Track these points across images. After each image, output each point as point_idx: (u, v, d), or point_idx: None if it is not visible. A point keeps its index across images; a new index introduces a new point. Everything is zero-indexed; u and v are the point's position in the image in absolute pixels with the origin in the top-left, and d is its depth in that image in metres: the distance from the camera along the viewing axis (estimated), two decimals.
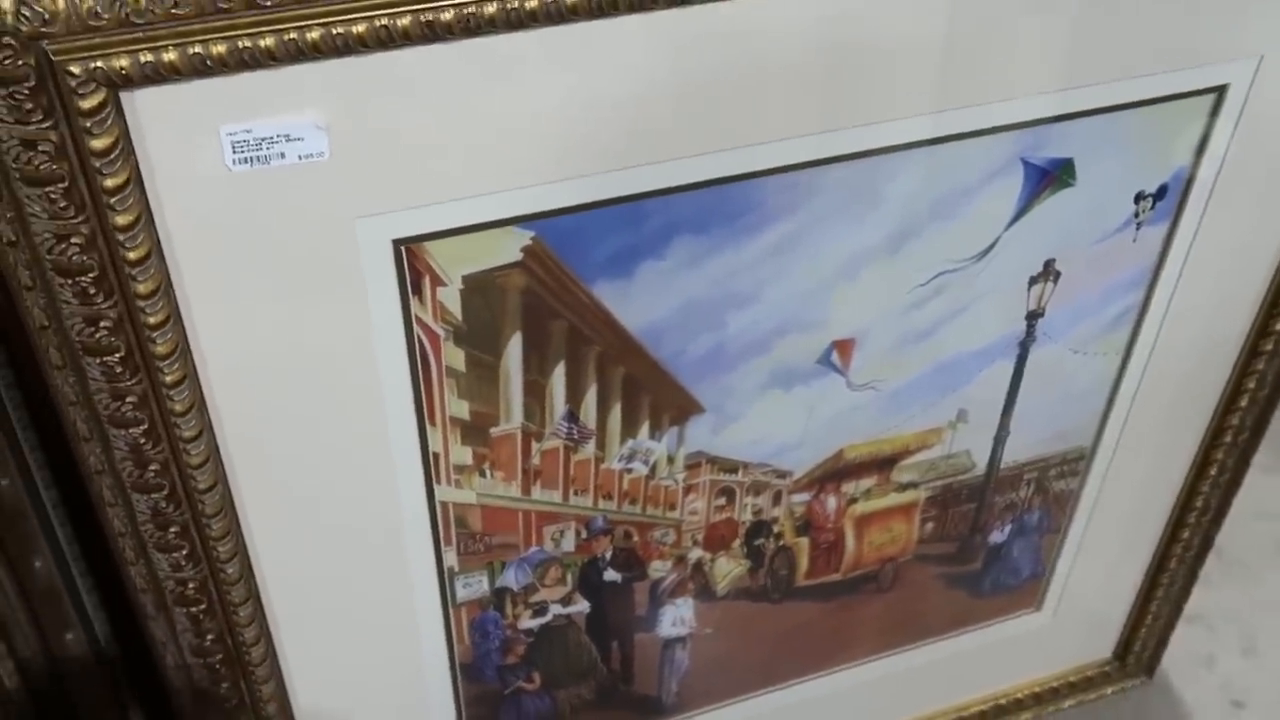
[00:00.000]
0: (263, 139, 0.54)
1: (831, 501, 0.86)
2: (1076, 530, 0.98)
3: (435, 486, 0.71)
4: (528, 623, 0.82)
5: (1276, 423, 1.29)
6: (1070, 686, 1.12)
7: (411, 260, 0.61)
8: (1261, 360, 0.89)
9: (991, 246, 0.75)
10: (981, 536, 0.94)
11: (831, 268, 0.71)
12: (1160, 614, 1.10)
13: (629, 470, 0.76)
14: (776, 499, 0.83)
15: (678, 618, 0.87)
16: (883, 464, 0.85)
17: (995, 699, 1.09)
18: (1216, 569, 1.27)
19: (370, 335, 0.63)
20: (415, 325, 0.63)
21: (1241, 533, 1.31)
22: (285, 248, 0.58)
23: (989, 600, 1.00)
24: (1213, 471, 0.97)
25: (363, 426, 0.66)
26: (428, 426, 0.68)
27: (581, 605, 0.83)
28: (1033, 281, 0.78)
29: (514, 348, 0.67)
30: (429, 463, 0.69)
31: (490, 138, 0.58)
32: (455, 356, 0.66)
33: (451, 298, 0.63)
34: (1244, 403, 0.92)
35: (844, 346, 0.76)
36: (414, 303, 0.63)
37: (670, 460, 0.77)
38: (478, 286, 0.64)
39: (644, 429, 0.75)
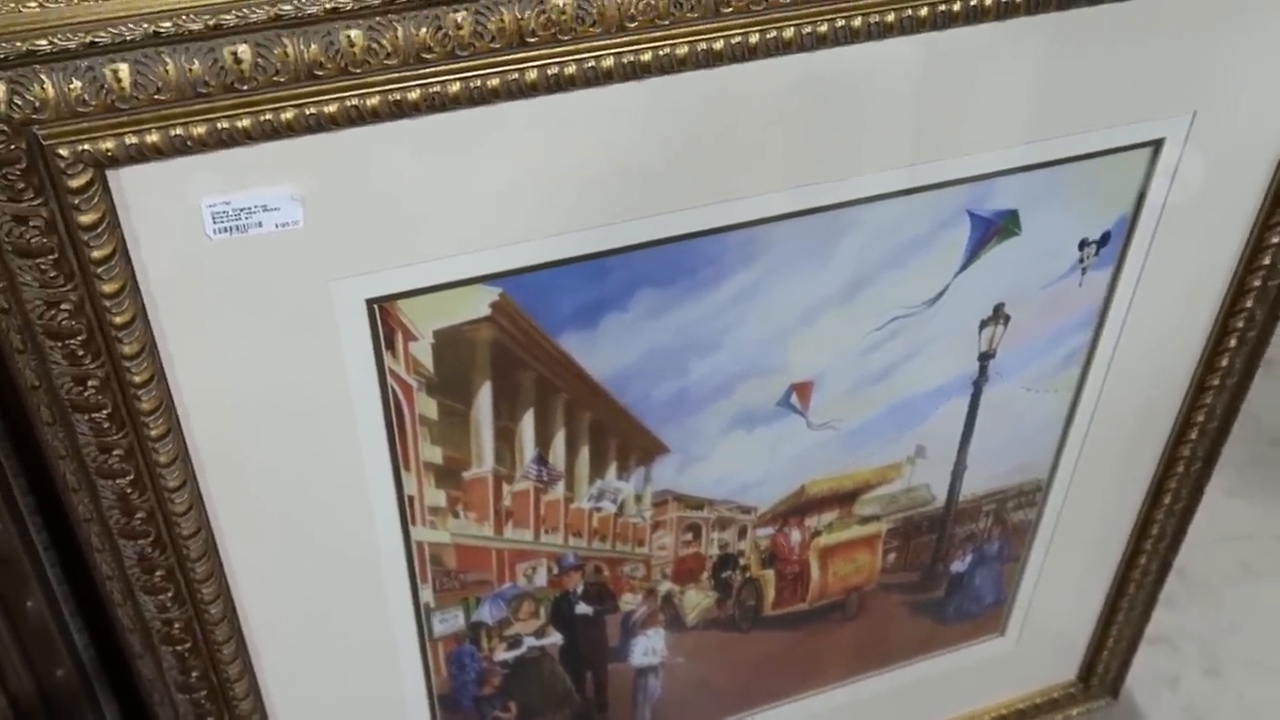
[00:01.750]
0: (241, 209, 0.57)
1: (795, 535, 0.89)
2: (1036, 558, 1.01)
3: (411, 527, 0.74)
4: (503, 655, 0.85)
5: (1239, 447, 1.33)
6: (1036, 708, 1.15)
7: (384, 317, 0.64)
8: (1209, 394, 0.93)
9: (942, 293, 0.78)
10: (943, 566, 0.98)
11: (789, 316, 0.74)
12: (1122, 636, 1.13)
13: (598, 509, 0.80)
14: (742, 533, 0.86)
15: (649, 648, 0.90)
16: (844, 498, 0.88)
17: None
18: (1180, 591, 1.31)
19: (346, 387, 0.66)
20: (389, 377, 0.67)
21: (1205, 555, 1.34)
22: (264, 308, 0.61)
23: (953, 626, 1.03)
24: (1167, 500, 1.00)
25: (340, 472, 0.69)
26: (403, 471, 0.71)
27: (555, 637, 0.86)
28: (983, 325, 0.81)
29: (484, 396, 0.70)
30: (404, 505, 0.73)
31: (458, 202, 0.61)
32: (428, 405, 0.69)
33: (423, 351, 0.67)
34: (1194, 435, 0.95)
35: (803, 389, 0.79)
36: (387, 356, 0.66)
37: (638, 499, 0.80)
38: (448, 340, 0.67)
39: (612, 470, 0.78)
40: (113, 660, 0.84)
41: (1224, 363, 0.91)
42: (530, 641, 0.85)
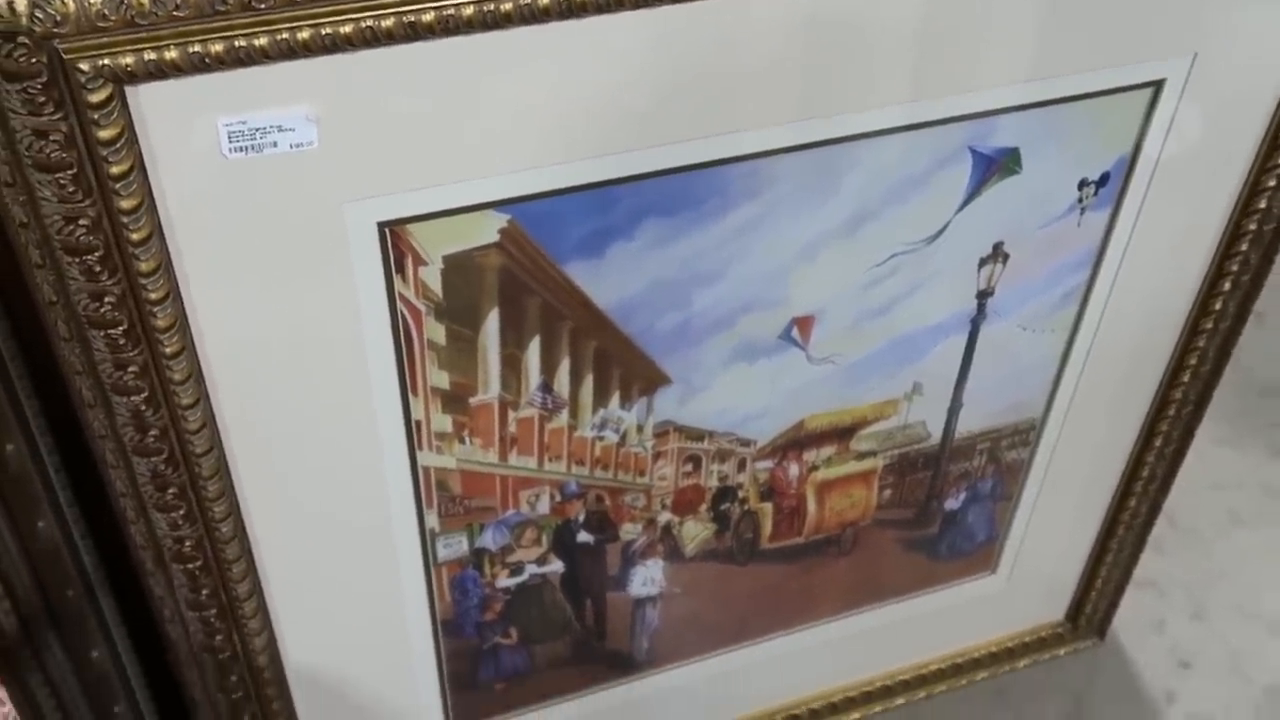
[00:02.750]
0: (256, 129, 0.58)
1: (794, 469, 0.90)
2: (1029, 497, 1.03)
3: (417, 452, 0.75)
4: (505, 581, 0.87)
5: (1230, 397, 1.35)
6: (1025, 647, 1.17)
7: (395, 241, 0.65)
8: (1202, 338, 0.94)
9: (943, 230, 0.79)
10: (937, 503, 0.99)
11: (792, 250, 0.76)
12: (1111, 578, 1.15)
13: (600, 438, 0.81)
14: (741, 466, 0.88)
15: (648, 578, 0.92)
16: (842, 434, 0.90)
17: (953, 658, 1.14)
18: (1169, 537, 1.32)
19: (356, 310, 0.67)
20: (399, 302, 0.68)
21: (1194, 503, 1.36)
22: (277, 229, 0.62)
23: (946, 563, 1.05)
24: (1158, 442, 1.02)
25: (349, 395, 0.71)
26: (410, 396, 0.72)
27: (556, 565, 0.88)
28: (982, 263, 0.83)
29: (492, 323, 0.71)
30: (411, 430, 0.74)
31: (470, 127, 0.62)
32: (436, 331, 0.70)
33: (432, 276, 0.68)
34: (1186, 378, 0.97)
35: (804, 323, 0.80)
36: (397, 281, 0.67)
37: (639, 429, 0.82)
38: (457, 266, 0.68)
39: (614, 399, 0.79)
40: (122, 584, 0.86)
41: (1217, 306, 0.92)
42: (532, 568, 0.87)
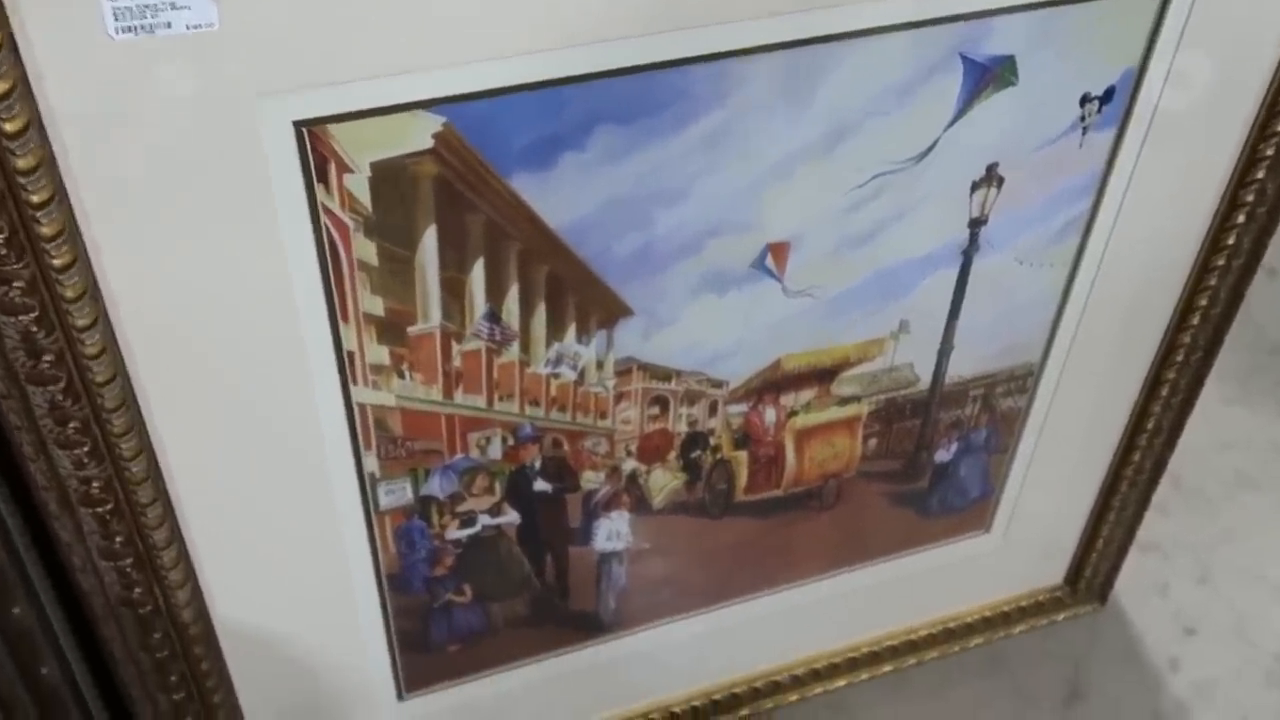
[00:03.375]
0: (146, 5, 0.51)
1: (770, 414, 0.84)
2: (1025, 450, 0.96)
3: (352, 387, 0.69)
4: (456, 533, 0.80)
5: (1240, 354, 1.29)
6: (1021, 611, 1.11)
7: (315, 144, 0.58)
8: (1213, 276, 0.87)
9: (931, 148, 0.72)
10: (927, 454, 0.93)
11: (764, 165, 0.69)
12: (1113, 539, 1.08)
13: (556, 375, 0.74)
14: (712, 409, 0.81)
15: (613, 531, 0.86)
16: (822, 376, 0.83)
17: (945, 622, 1.08)
18: (1174, 499, 1.26)
19: (275, 224, 0.60)
20: (323, 215, 0.61)
21: (1201, 463, 1.30)
22: (180, 131, 0.55)
23: (937, 520, 0.99)
24: (1164, 392, 0.95)
25: (272, 321, 0.64)
26: (341, 324, 0.66)
27: (511, 516, 0.81)
28: (975, 187, 0.76)
29: (429, 241, 0.65)
30: (344, 362, 0.67)
31: (397, 12, 0.55)
32: (366, 249, 0.63)
33: (360, 186, 0.61)
34: (1195, 320, 0.90)
35: (779, 250, 0.73)
36: (320, 191, 0.60)
37: (599, 366, 0.75)
38: (387, 174, 0.61)
39: (570, 332, 0.73)
40: (46, 535, 0.80)
41: (1230, 241, 0.85)
42: (485, 519, 0.80)
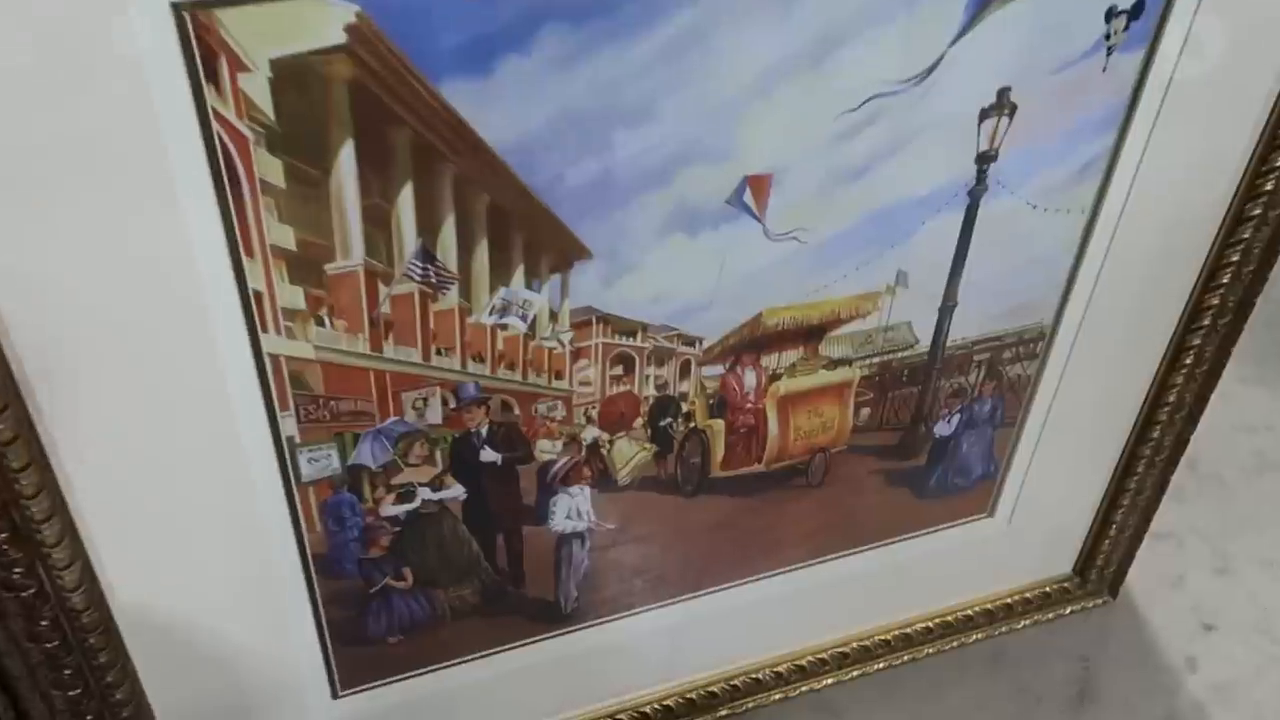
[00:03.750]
0: None
1: (750, 377, 0.74)
2: (1034, 424, 0.87)
3: (261, 335, 0.59)
4: (392, 509, 0.71)
5: (1261, 333, 1.19)
6: (1026, 604, 1.03)
7: (202, 35, 0.49)
8: (1248, 228, 0.78)
9: (934, 66, 0.63)
10: (926, 427, 0.83)
11: (739, 80, 0.59)
12: (1127, 525, 1.00)
13: (503, 326, 0.65)
14: (684, 371, 0.72)
15: (573, 509, 0.76)
16: (809, 334, 0.73)
17: (942, 615, 1.00)
18: (1190, 482, 1.18)
19: (158, 134, 0.51)
20: (214, 122, 0.51)
21: (1218, 445, 1.22)
22: (33, 17, 0.45)
23: (935, 503, 0.90)
24: (1188, 360, 0.86)
25: (160, 253, 0.54)
26: (244, 257, 0.56)
27: (456, 490, 0.72)
28: (984, 115, 0.66)
29: (346, 160, 0.55)
30: (250, 304, 0.58)
31: None
32: (271, 167, 0.54)
33: (259, 89, 0.51)
34: (1226, 279, 0.81)
35: (759, 184, 0.64)
36: (209, 93, 0.50)
37: (553, 317, 0.66)
38: (292, 75, 0.51)
39: (518, 275, 0.63)
40: None
41: (1268, 187, 0.76)
42: (425, 493, 0.71)
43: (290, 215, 0.56)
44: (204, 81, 0.50)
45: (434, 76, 0.53)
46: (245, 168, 0.53)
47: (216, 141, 0.52)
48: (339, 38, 0.51)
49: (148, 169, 0.51)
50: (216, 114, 0.51)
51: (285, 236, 0.56)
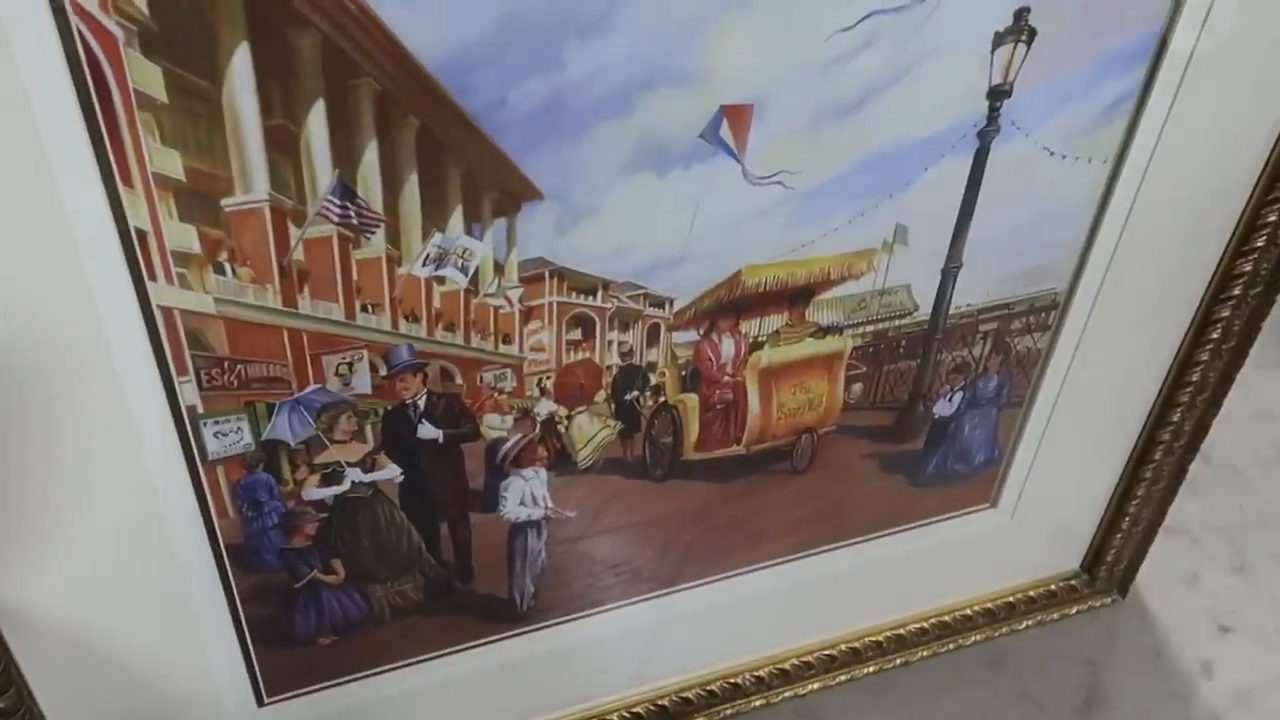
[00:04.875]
0: None
1: (727, 345, 0.66)
2: (1044, 404, 0.79)
3: (149, 284, 0.50)
4: (317, 492, 0.62)
5: (1273, 314, 1.10)
6: (1029, 602, 0.95)
7: None
8: None
9: None
10: (924, 406, 0.75)
11: None
12: (1140, 518, 0.93)
13: (440, 280, 0.56)
14: (652, 336, 0.63)
15: (527, 494, 0.68)
16: (795, 296, 0.65)
17: (939, 615, 0.93)
18: (1204, 475, 1.11)
19: (7, 34, 0.42)
20: (74, 18, 0.42)
21: (1232, 435, 1.15)
22: None
23: (933, 491, 0.82)
24: (1215, 335, 0.79)
25: (21, 181, 0.45)
26: (120, 187, 0.47)
27: (391, 471, 0.63)
28: (998, 40, 0.58)
29: (241, 68, 0.46)
30: (131, 246, 0.48)
31: None
32: (147, 75, 0.45)
33: None
34: (1261, 241, 0.74)
35: (737, 115, 0.55)
36: None
37: (499, 269, 0.57)
38: None
39: (456, 218, 0.54)
40: None
41: None
42: (355, 475, 0.62)
43: (175, 137, 0.47)
44: None
45: None
46: (116, 75, 0.44)
47: (77, 40, 0.43)
48: None
49: None
50: (75, 5, 0.42)
51: (171, 163, 0.47)
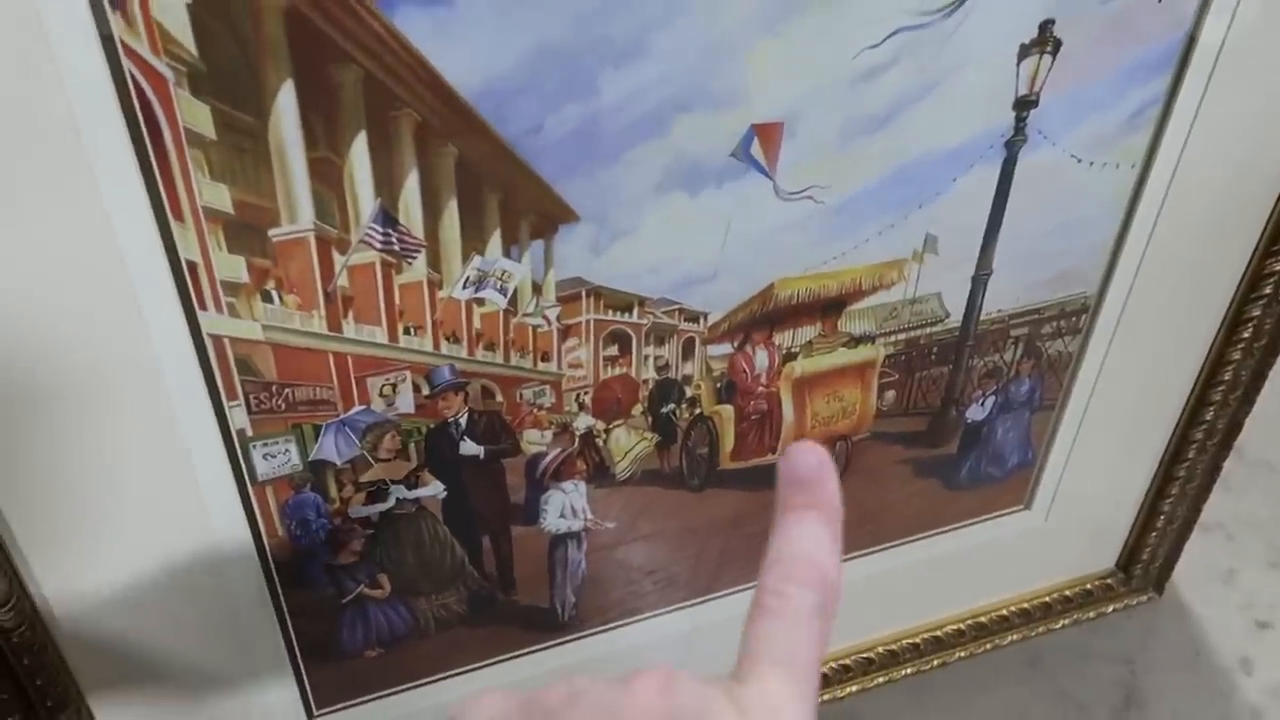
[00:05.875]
0: None
1: (761, 357, 0.67)
2: (1076, 406, 0.79)
3: (200, 313, 0.51)
4: (362, 509, 0.63)
5: None
6: (1065, 602, 0.95)
7: None
8: None
9: None
10: (957, 411, 0.76)
11: (745, 9, 0.51)
12: (1175, 516, 0.92)
13: (479, 301, 0.57)
14: (687, 350, 0.64)
15: (567, 507, 0.69)
16: (827, 307, 0.66)
17: (975, 616, 0.92)
18: (1238, 471, 1.10)
19: (57, 73, 0.43)
20: (125, 59, 0.44)
21: (1268, 430, 1.13)
22: None
23: (967, 494, 0.82)
24: (1246, 334, 0.79)
25: (76, 217, 0.47)
26: (172, 222, 0.48)
27: (434, 488, 0.64)
28: (1024, 52, 0.59)
29: (285, 104, 0.47)
30: (183, 277, 0.50)
31: None
32: (197, 113, 0.46)
33: (175, 16, 0.44)
34: None
35: (768, 133, 0.56)
36: (116, 23, 0.43)
37: (536, 290, 0.58)
38: (215, 1, 0.44)
39: (494, 242, 0.55)
40: None
41: None
42: (399, 492, 0.63)
43: (224, 171, 0.48)
44: (108, 8, 0.42)
45: (384, 3, 0.46)
46: (166, 114, 0.46)
47: (129, 82, 0.44)
48: None
49: (47, 120, 0.44)
50: (127, 49, 0.43)
51: (219, 196, 0.49)
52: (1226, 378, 0.81)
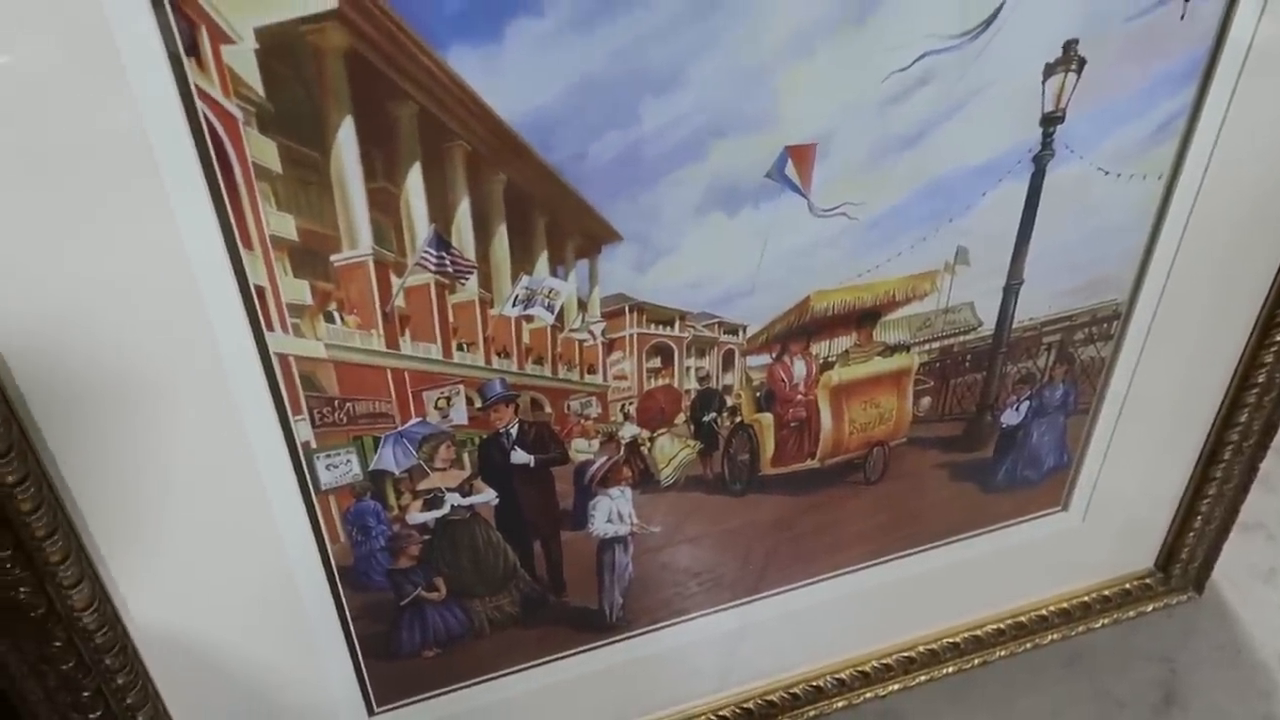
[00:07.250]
0: None
1: (799, 367, 0.69)
2: (1110, 410, 0.81)
3: (267, 334, 0.55)
4: (419, 516, 0.66)
5: None
6: (1104, 601, 0.96)
7: (178, 5, 0.44)
8: None
9: (993, 18, 0.57)
10: (992, 416, 0.77)
11: (776, 39, 0.54)
12: (1212, 516, 0.93)
13: (528, 318, 0.60)
14: (727, 362, 0.67)
15: (614, 512, 0.71)
16: (862, 318, 0.68)
17: (1014, 615, 0.94)
18: (1277, 471, 1.10)
19: (137, 116, 0.46)
20: (199, 101, 0.47)
21: None
22: None
23: (1004, 497, 0.84)
24: (1279, 337, 0.79)
25: (153, 245, 0.50)
26: (242, 250, 0.52)
27: (487, 495, 0.67)
28: (1049, 71, 0.61)
29: (346, 140, 0.50)
30: (252, 301, 0.53)
31: None
32: (265, 150, 0.49)
33: (245, 62, 0.47)
34: None
35: (802, 154, 0.59)
36: (191, 69, 0.46)
37: (582, 306, 0.61)
38: (280, 45, 0.47)
39: (542, 262, 0.58)
40: None
41: None
42: (454, 499, 0.66)
43: (290, 202, 0.51)
44: (184, 55, 0.46)
45: (438, 44, 0.49)
46: (236, 151, 0.49)
47: (203, 122, 0.47)
48: (329, 3, 0.46)
49: (133, 151, 0.47)
50: (201, 92, 0.47)
51: (286, 226, 0.52)
52: (1260, 380, 0.83)
